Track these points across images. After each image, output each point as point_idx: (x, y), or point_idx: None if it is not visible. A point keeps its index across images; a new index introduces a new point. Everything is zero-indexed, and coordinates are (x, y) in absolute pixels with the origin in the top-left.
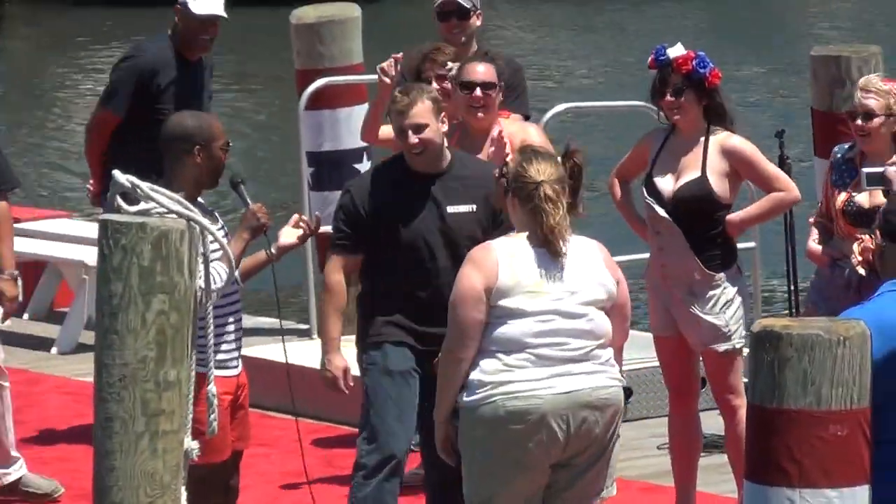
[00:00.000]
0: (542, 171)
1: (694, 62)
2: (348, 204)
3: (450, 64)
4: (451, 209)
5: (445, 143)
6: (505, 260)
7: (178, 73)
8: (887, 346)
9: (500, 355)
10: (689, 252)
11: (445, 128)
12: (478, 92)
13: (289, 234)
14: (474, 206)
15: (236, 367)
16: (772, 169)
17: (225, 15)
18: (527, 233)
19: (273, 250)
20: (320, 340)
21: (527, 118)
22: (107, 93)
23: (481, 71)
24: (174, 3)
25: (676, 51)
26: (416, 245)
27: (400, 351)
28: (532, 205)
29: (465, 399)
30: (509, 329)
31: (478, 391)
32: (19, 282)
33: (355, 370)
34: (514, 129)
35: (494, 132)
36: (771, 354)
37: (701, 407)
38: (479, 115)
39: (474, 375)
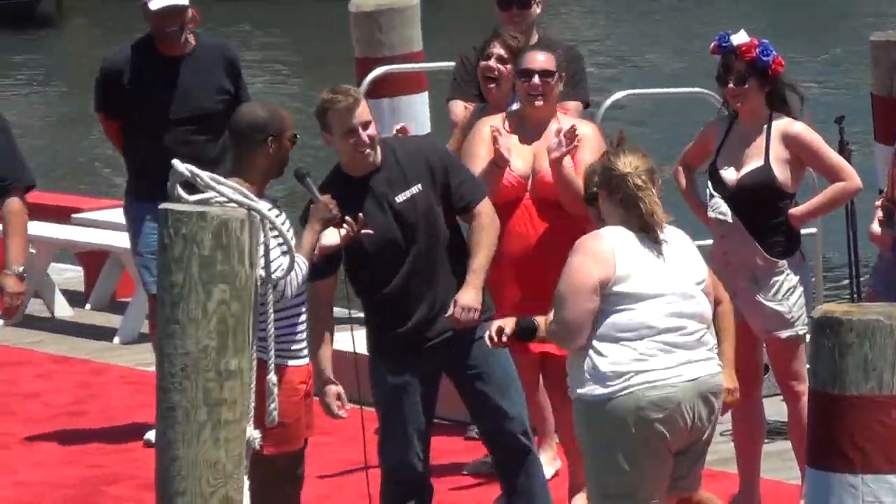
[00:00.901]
0: (629, 163)
1: (757, 50)
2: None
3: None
4: (399, 199)
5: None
6: (619, 246)
7: (149, 70)
8: None
9: (629, 343)
10: (751, 239)
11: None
12: (536, 80)
13: (332, 235)
14: (419, 186)
15: (307, 356)
16: (835, 158)
17: (184, 3)
18: (623, 219)
19: (315, 251)
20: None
21: (586, 105)
22: (94, 98)
23: (541, 59)
24: None
25: (740, 38)
26: (381, 246)
27: (399, 365)
28: (622, 195)
29: (596, 392)
30: (635, 315)
31: (612, 382)
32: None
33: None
34: (569, 125)
35: (553, 127)
36: (832, 340)
37: (764, 393)
38: (537, 103)
39: (605, 366)
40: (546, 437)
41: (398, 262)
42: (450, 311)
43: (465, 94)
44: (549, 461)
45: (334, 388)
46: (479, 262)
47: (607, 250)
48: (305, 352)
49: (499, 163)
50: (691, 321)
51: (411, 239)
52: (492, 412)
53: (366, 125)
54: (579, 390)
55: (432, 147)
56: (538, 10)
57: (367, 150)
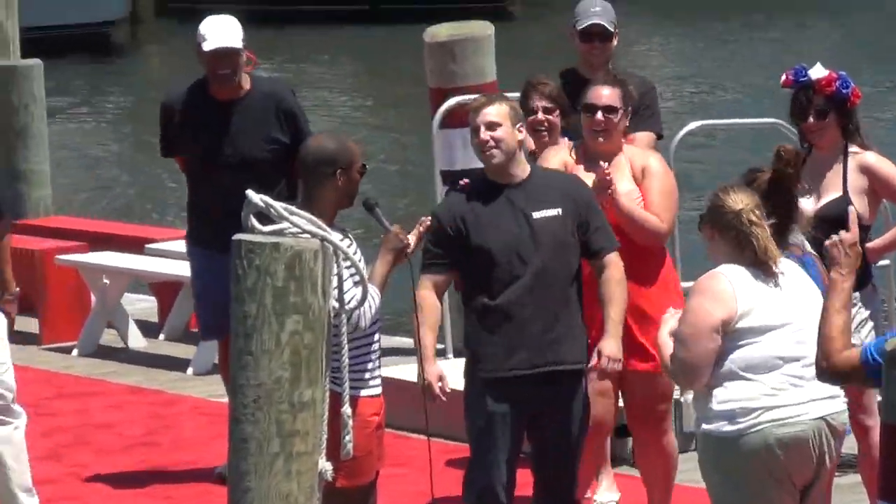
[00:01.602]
0: (740, 200)
1: (837, 83)
2: (434, 225)
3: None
4: (536, 214)
5: (524, 153)
6: (738, 282)
7: (200, 113)
8: None
9: (757, 377)
10: (825, 271)
11: (521, 136)
12: (599, 115)
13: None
14: (559, 210)
15: (379, 386)
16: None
17: (237, 46)
18: (736, 256)
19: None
20: (417, 355)
21: (660, 137)
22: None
23: (605, 94)
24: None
25: (818, 72)
26: (505, 254)
27: (500, 388)
28: (736, 232)
29: (724, 429)
30: (762, 348)
31: (741, 420)
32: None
33: (451, 381)
34: (635, 155)
35: (621, 159)
36: None
37: None
38: (601, 139)
39: (733, 403)
40: (604, 463)
41: (517, 274)
42: (594, 361)
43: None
44: (609, 487)
45: (437, 370)
46: (618, 313)
47: (727, 289)
48: (378, 382)
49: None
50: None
51: (537, 257)
52: (554, 465)
53: (490, 126)
54: (706, 426)
55: (580, 183)
56: (615, 43)
57: (489, 151)
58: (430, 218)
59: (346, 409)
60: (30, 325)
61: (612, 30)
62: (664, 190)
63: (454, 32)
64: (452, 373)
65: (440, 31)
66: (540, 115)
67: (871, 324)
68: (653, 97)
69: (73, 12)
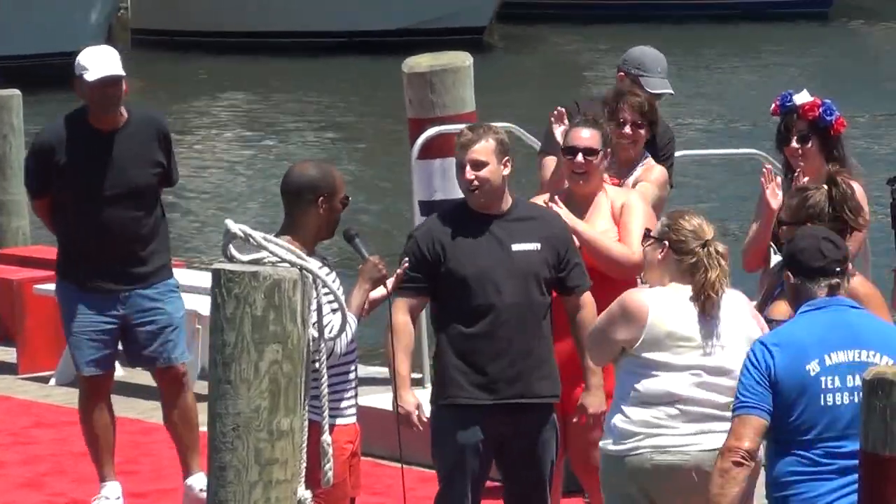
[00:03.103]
0: (708, 230)
1: (821, 109)
2: (413, 248)
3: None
4: (515, 247)
5: (506, 186)
6: (657, 311)
7: (82, 146)
8: (791, 364)
9: (647, 407)
10: None
11: (507, 171)
12: (579, 158)
13: (379, 289)
14: (538, 245)
15: (354, 415)
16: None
17: (121, 73)
18: (680, 285)
19: (366, 307)
20: (391, 379)
21: (671, 187)
22: (24, 175)
23: (585, 136)
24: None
25: (803, 97)
26: (481, 283)
27: (469, 417)
28: (695, 259)
29: (610, 447)
30: (658, 382)
31: (625, 441)
32: None
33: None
34: (615, 195)
35: (601, 199)
36: (883, 401)
37: None
38: (581, 182)
39: (621, 423)
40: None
41: (492, 303)
42: (576, 418)
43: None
44: None
45: (414, 399)
46: None
47: (640, 315)
48: (353, 410)
49: None
50: (723, 395)
51: (513, 288)
52: (524, 497)
53: (476, 165)
54: (601, 442)
55: (560, 220)
56: None
57: (474, 191)
58: (407, 260)
59: (326, 438)
60: (8, 354)
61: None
62: (641, 223)
63: (433, 63)
64: (428, 401)
65: (419, 62)
66: (627, 129)
67: None
68: (672, 148)
69: (47, 42)
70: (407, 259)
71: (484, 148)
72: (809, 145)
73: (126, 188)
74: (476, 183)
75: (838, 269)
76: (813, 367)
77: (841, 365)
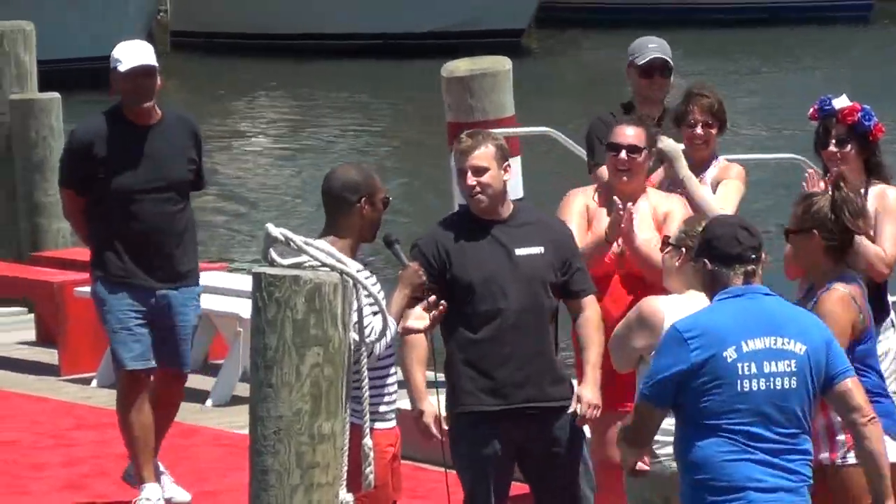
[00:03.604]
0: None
1: (860, 114)
2: (418, 257)
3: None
4: (518, 251)
5: (507, 192)
6: (671, 318)
7: (120, 141)
8: (707, 351)
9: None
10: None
11: (508, 177)
12: (623, 155)
13: (417, 319)
14: (542, 249)
15: (395, 418)
16: (889, 239)
17: (153, 63)
18: (697, 292)
19: (399, 329)
20: (407, 391)
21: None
22: (59, 171)
23: (630, 134)
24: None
25: (842, 102)
26: (488, 288)
27: (484, 428)
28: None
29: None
30: None
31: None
32: None
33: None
34: (658, 200)
35: (643, 204)
36: None
37: None
38: (624, 178)
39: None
40: None
41: (499, 308)
42: (573, 407)
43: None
44: None
45: (432, 409)
46: (596, 356)
47: (656, 321)
48: (393, 415)
49: (609, 237)
50: None
51: (518, 293)
52: (559, 497)
53: (477, 171)
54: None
55: (563, 225)
56: (672, 79)
57: (476, 196)
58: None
59: (367, 441)
60: (50, 356)
61: (672, 65)
62: None
63: (472, 67)
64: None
65: (458, 66)
66: (699, 130)
67: (893, 353)
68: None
69: (86, 45)
70: (432, 292)
71: (484, 154)
72: (848, 149)
73: (163, 182)
74: (478, 188)
75: (754, 256)
76: (730, 354)
77: (758, 352)
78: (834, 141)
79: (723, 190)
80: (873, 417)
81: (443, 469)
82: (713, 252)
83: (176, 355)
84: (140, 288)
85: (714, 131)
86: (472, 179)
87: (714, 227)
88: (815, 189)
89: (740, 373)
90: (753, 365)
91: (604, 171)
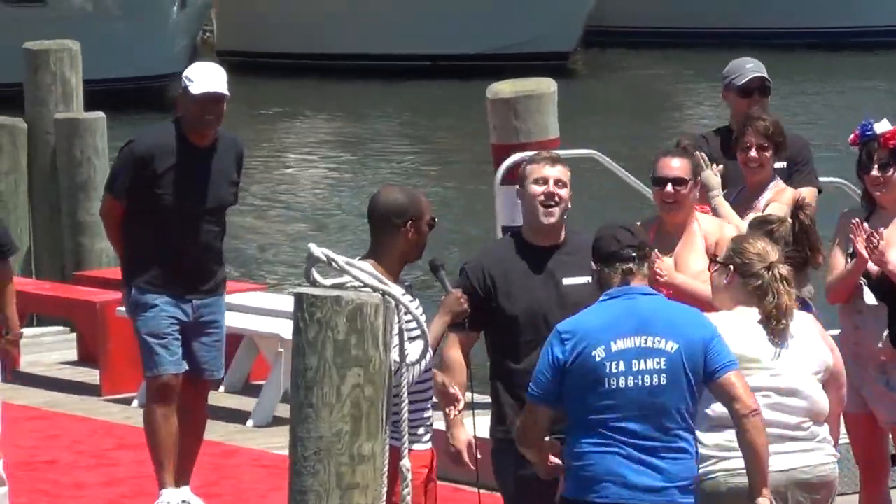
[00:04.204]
0: (771, 253)
1: None
2: (464, 282)
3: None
4: (566, 281)
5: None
6: (723, 335)
7: (179, 158)
8: (579, 350)
9: (720, 430)
10: (884, 331)
11: (569, 206)
12: (669, 188)
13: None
14: (589, 279)
15: (429, 440)
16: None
17: (225, 92)
18: (747, 308)
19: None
20: (443, 415)
21: (819, 191)
22: (108, 179)
23: (675, 166)
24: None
25: (883, 126)
26: (531, 318)
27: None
28: (761, 282)
29: (694, 471)
30: None
31: (703, 465)
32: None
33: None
34: (710, 227)
35: (695, 232)
36: None
37: (893, 484)
38: (672, 212)
39: (700, 449)
40: None
41: (541, 338)
42: None
43: None
44: None
45: (466, 437)
46: None
47: None
48: (428, 437)
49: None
50: (794, 416)
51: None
52: None
53: (558, 182)
54: None
55: None
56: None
57: (552, 208)
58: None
59: (406, 463)
60: (91, 376)
61: (769, 84)
62: None
63: (517, 89)
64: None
65: (503, 88)
66: (753, 153)
67: None
68: (808, 153)
69: (132, 65)
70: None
71: (563, 170)
72: (890, 173)
73: (215, 203)
74: (557, 199)
75: (634, 255)
76: (598, 353)
77: (626, 350)
78: (877, 166)
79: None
80: (754, 410)
81: (476, 490)
82: (596, 253)
83: (214, 363)
84: (176, 298)
85: (769, 154)
86: (553, 187)
87: (599, 230)
88: (860, 238)
89: (608, 370)
90: (622, 363)
91: None
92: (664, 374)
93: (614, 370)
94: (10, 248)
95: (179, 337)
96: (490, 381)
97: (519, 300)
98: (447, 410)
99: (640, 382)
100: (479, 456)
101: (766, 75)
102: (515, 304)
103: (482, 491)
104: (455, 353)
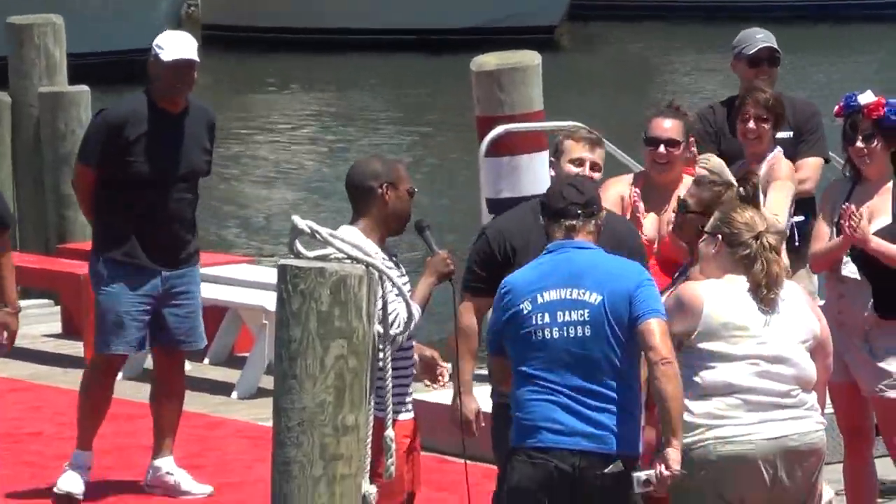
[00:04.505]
0: (759, 222)
1: (885, 109)
2: (483, 246)
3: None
4: None
5: None
6: (712, 302)
7: (151, 126)
8: (511, 304)
9: (709, 399)
10: (868, 300)
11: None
12: (661, 149)
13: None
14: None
15: (412, 410)
16: None
17: (196, 59)
18: (736, 276)
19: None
20: (453, 382)
21: (826, 161)
22: (80, 147)
23: (667, 126)
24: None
25: (867, 97)
26: None
27: None
28: (749, 251)
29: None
30: (716, 373)
31: (691, 434)
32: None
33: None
34: None
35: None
36: None
37: (877, 453)
38: (661, 172)
39: (688, 417)
40: None
41: None
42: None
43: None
44: None
45: (475, 406)
46: None
47: (696, 305)
48: (411, 406)
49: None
50: (782, 383)
51: None
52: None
53: (595, 167)
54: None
55: (632, 229)
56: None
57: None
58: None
59: (389, 433)
60: (75, 348)
61: (779, 54)
62: None
63: (502, 62)
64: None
65: (488, 61)
66: (751, 125)
67: None
68: (817, 121)
69: (114, 39)
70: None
71: (602, 153)
72: (874, 144)
73: (187, 169)
74: (590, 175)
75: (579, 212)
76: (526, 306)
77: (552, 302)
78: (861, 137)
79: (772, 195)
80: (665, 358)
81: (462, 461)
82: (544, 209)
83: (192, 334)
84: (147, 271)
85: (767, 126)
86: (589, 171)
87: (550, 186)
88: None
89: (535, 322)
90: (547, 315)
91: None
92: (588, 326)
93: (540, 322)
94: (7, 219)
95: (142, 318)
96: None
97: None
98: (426, 383)
99: (565, 334)
100: (483, 424)
101: (775, 46)
102: None
103: (468, 462)
104: (469, 320)
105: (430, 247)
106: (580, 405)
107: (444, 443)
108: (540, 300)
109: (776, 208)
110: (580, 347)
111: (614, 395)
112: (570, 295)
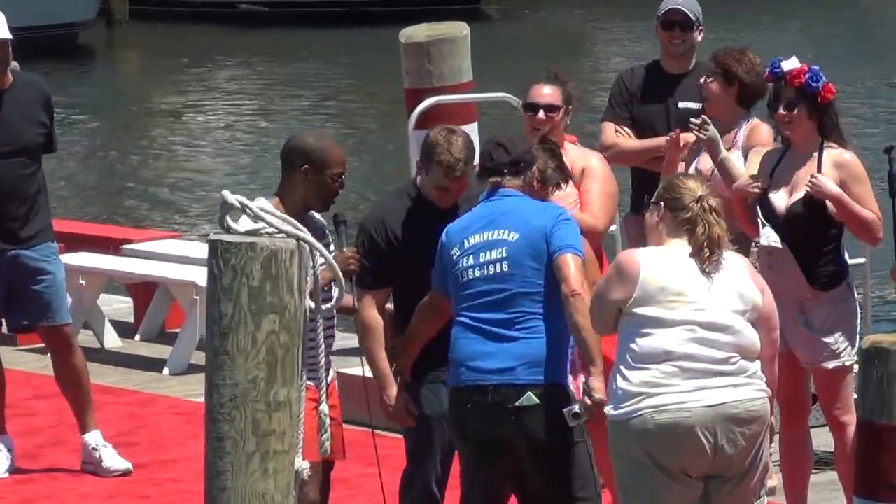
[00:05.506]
0: (700, 187)
1: (806, 76)
2: (365, 240)
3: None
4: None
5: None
6: (649, 268)
7: None
8: (444, 250)
9: (644, 366)
10: (798, 270)
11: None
12: (541, 114)
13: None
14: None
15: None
16: (869, 200)
17: (8, 37)
18: (677, 241)
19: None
20: (373, 377)
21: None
22: None
23: (546, 93)
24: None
25: (790, 64)
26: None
27: (434, 391)
28: (690, 214)
29: (612, 412)
30: (653, 340)
31: (625, 404)
32: None
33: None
34: (576, 156)
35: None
36: (880, 370)
37: (812, 424)
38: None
39: (622, 387)
40: None
41: None
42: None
43: (619, 118)
44: None
45: (401, 396)
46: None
47: (633, 271)
48: (322, 373)
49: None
50: (721, 351)
51: None
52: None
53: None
54: (605, 409)
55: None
56: (699, 38)
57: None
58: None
59: (324, 408)
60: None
61: (694, 20)
62: (603, 191)
63: (430, 33)
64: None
65: (416, 32)
66: (702, 82)
67: (847, 321)
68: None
69: (37, 15)
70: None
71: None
72: (796, 112)
73: (16, 146)
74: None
75: (505, 170)
76: (455, 252)
77: (475, 245)
78: (783, 104)
79: (755, 159)
80: (576, 291)
81: (369, 430)
82: (479, 166)
83: (50, 310)
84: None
85: (718, 82)
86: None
87: (485, 142)
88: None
89: (461, 265)
90: (471, 257)
91: (608, 127)
92: (506, 262)
93: (465, 264)
94: None
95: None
96: (395, 331)
97: (425, 254)
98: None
99: (485, 272)
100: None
101: (687, 9)
102: (423, 258)
103: (376, 431)
104: (370, 313)
105: (340, 242)
106: (498, 341)
107: (356, 414)
108: (466, 244)
109: (594, 207)
110: (498, 283)
111: (535, 324)
112: (492, 236)
